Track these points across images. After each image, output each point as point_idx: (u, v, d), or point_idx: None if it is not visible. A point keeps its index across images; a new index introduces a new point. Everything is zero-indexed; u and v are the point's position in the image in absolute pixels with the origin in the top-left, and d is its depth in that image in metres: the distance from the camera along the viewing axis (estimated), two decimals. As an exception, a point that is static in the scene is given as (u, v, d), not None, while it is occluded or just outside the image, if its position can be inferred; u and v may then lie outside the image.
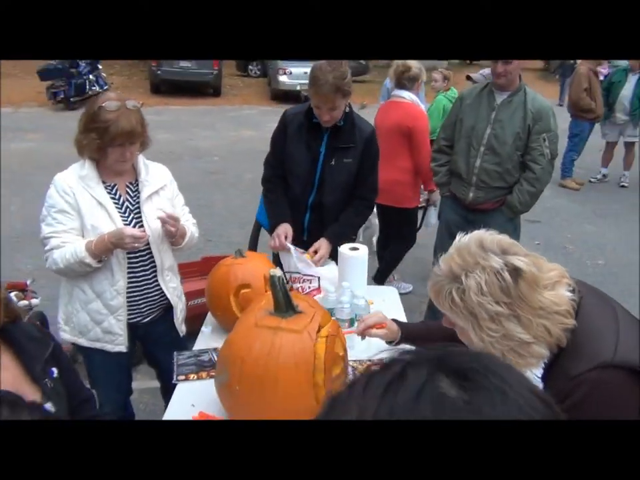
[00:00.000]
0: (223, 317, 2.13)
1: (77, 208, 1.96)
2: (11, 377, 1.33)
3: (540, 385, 1.21)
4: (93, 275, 2.01)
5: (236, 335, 1.57)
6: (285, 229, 2.45)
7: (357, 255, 2.23)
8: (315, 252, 2.44)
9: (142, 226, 2.06)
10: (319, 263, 2.39)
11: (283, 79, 13.17)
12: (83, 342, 2.08)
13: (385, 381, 0.45)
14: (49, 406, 1.39)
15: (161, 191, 2.16)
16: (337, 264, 2.36)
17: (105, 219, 1.99)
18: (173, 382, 1.89)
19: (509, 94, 2.92)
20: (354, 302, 2.05)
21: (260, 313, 1.61)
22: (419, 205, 4.07)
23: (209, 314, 2.30)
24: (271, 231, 2.54)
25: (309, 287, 2.34)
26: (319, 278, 2.33)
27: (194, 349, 2.09)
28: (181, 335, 2.29)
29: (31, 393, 1.35)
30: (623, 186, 6.98)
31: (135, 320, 2.13)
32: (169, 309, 2.22)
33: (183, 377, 1.89)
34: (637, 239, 5.43)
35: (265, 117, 12.09)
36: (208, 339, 2.15)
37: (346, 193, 2.52)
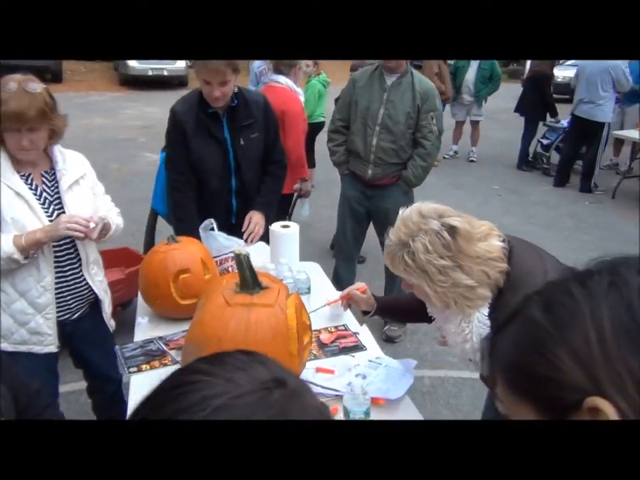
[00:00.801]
0: (162, 305, 2.08)
1: None
2: None
3: (487, 322, 1.43)
4: (16, 272, 1.84)
5: (207, 316, 1.57)
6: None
7: (289, 232, 2.30)
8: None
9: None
10: (254, 234, 2.42)
11: (132, 63, 12.47)
12: (5, 347, 1.88)
13: (605, 282, 0.55)
14: None
15: (81, 180, 2.02)
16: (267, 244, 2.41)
17: (26, 211, 1.83)
18: (125, 375, 1.82)
19: (398, 76, 3.14)
20: (295, 277, 2.12)
21: (227, 292, 1.62)
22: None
23: (141, 304, 2.23)
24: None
25: (226, 268, 2.36)
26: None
27: (135, 340, 2.02)
28: (111, 329, 2.19)
29: None
30: (472, 160, 7.79)
31: (63, 317, 1.98)
32: (94, 303, 2.11)
33: (134, 369, 1.83)
34: (489, 205, 6.16)
35: (116, 103, 11.44)
36: (146, 329, 2.09)
37: (262, 165, 2.57)
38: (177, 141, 2.45)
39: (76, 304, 2.02)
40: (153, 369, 1.84)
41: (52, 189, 1.94)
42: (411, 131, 3.19)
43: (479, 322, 1.41)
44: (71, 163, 2.01)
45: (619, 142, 7.14)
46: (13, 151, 1.84)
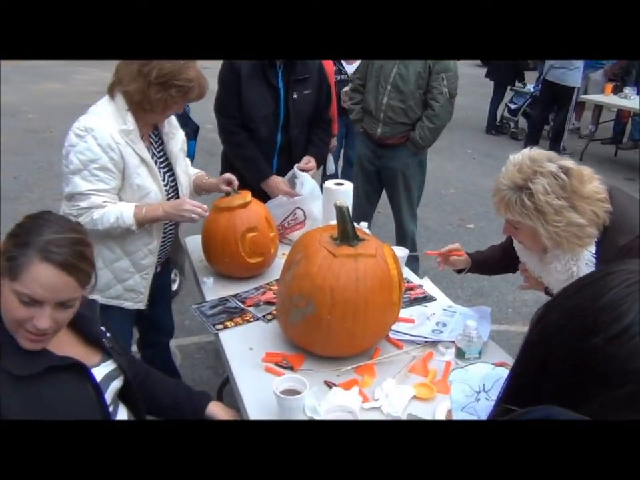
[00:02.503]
0: (230, 264, 2.08)
1: (120, 166, 1.76)
2: (65, 344, 1.28)
3: (594, 260, 1.53)
4: (126, 234, 1.84)
5: (314, 268, 1.59)
6: (281, 181, 2.46)
7: (344, 189, 2.32)
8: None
9: (174, 182, 1.98)
10: (307, 167, 2.47)
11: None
12: (97, 298, 1.86)
13: None
14: (109, 363, 1.37)
15: (183, 144, 2.06)
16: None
17: (149, 178, 1.85)
18: (212, 332, 1.83)
19: (414, 36, 3.17)
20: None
21: (328, 245, 1.64)
22: None
23: (199, 266, 2.22)
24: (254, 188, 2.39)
25: (294, 221, 2.38)
26: (301, 211, 2.36)
27: (208, 299, 2.01)
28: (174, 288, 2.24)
29: (88, 356, 1.33)
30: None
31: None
32: (165, 261, 2.16)
33: (220, 327, 1.84)
34: (468, 168, 6.34)
35: (68, 68, 10.82)
36: (214, 289, 2.08)
37: (308, 126, 2.56)
38: (230, 82, 2.42)
39: (161, 263, 2.09)
40: (237, 325, 1.85)
41: (159, 152, 1.96)
42: (421, 91, 3.23)
43: (587, 260, 1.51)
44: (175, 125, 2.02)
45: (581, 106, 7.46)
46: (159, 118, 1.87)
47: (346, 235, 1.65)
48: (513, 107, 7.53)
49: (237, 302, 1.98)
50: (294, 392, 1.45)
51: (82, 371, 1.24)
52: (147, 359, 2.33)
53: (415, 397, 1.53)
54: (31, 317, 1.12)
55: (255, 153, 2.47)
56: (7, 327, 1.15)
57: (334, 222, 2.14)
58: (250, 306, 1.96)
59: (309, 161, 2.51)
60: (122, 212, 1.75)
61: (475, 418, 0.92)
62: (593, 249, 1.52)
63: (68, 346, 1.29)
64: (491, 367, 0.99)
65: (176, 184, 1.99)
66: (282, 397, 1.42)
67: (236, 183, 2.12)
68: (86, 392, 1.24)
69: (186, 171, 2.06)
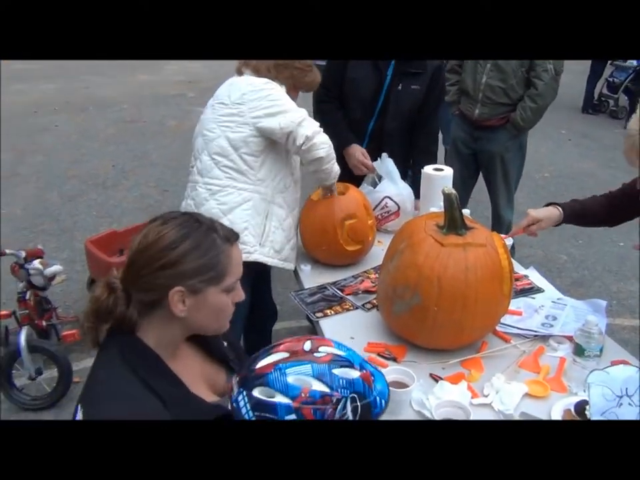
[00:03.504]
0: (327, 251, 2.07)
1: None
2: (199, 367, 1.19)
3: None
4: (289, 189, 2.03)
5: (420, 257, 1.54)
6: (360, 151, 2.41)
7: (444, 174, 2.24)
8: None
9: None
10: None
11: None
12: (275, 262, 2.01)
13: None
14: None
15: None
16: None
17: None
18: (314, 320, 1.83)
19: (515, 11, 2.99)
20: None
21: (435, 233, 1.58)
22: None
23: (299, 252, 2.22)
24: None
25: (385, 211, 2.33)
26: (391, 200, 2.31)
27: (305, 287, 2.02)
28: None
29: (216, 375, 1.24)
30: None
31: None
32: None
33: (320, 314, 1.83)
34: (563, 150, 5.99)
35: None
36: (312, 276, 2.08)
37: (408, 121, 2.47)
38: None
39: None
40: (337, 313, 1.84)
41: None
42: (524, 69, 3.05)
43: None
44: None
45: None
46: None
47: (454, 223, 1.58)
48: (614, 82, 7.00)
49: (336, 290, 1.97)
50: (400, 384, 1.41)
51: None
52: (251, 345, 2.38)
53: (527, 395, 1.45)
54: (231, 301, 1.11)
55: (339, 120, 2.44)
56: (208, 333, 1.12)
57: (434, 209, 2.09)
58: (349, 294, 1.94)
59: None
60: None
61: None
62: None
63: (199, 366, 1.21)
64: (634, 370, 0.90)
65: None
66: (389, 389, 1.39)
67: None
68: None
69: None
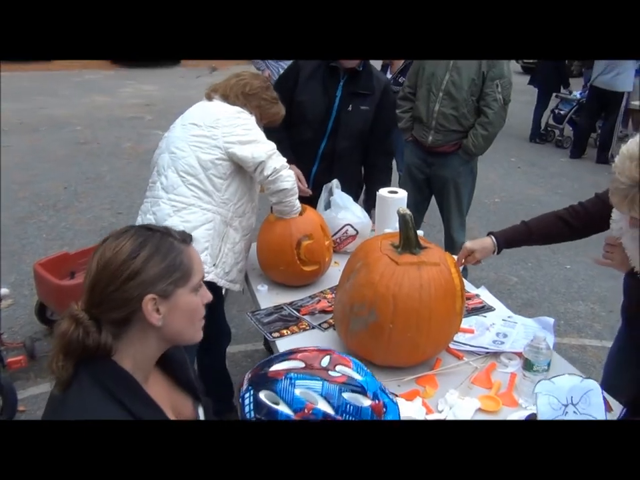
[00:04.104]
0: (285, 272, 2.07)
1: None
2: (166, 394, 1.17)
3: None
4: (246, 213, 2.07)
5: (376, 276, 1.57)
6: (296, 173, 2.41)
7: (399, 197, 2.30)
8: None
9: None
10: None
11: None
12: (223, 283, 2.04)
13: None
14: (200, 411, 1.25)
15: None
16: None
17: None
18: (270, 340, 1.82)
19: (465, 43, 3.13)
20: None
21: (390, 253, 1.62)
22: None
23: (255, 273, 2.22)
24: None
25: (345, 236, 2.36)
26: (352, 228, 2.35)
27: (262, 307, 2.01)
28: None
29: (183, 403, 1.22)
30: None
31: None
32: None
33: (277, 334, 1.83)
34: (512, 177, 6.22)
35: (111, 81, 11.16)
36: (268, 297, 2.08)
37: (359, 141, 2.53)
38: (286, 81, 2.49)
39: None
40: (294, 333, 1.84)
41: None
42: (474, 98, 3.17)
43: None
44: None
45: (627, 113, 7.24)
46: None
47: (409, 242, 1.62)
48: (559, 113, 7.36)
49: (292, 310, 1.97)
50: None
51: None
52: (206, 366, 2.34)
53: (479, 410, 1.49)
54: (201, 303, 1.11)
55: (283, 139, 2.41)
56: (184, 341, 1.10)
57: (389, 230, 2.13)
58: (305, 314, 1.94)
59: None
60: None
61: (563, 433, 0.88)
62: None
63: (167, 393, 1.19)
64: (578, 379, 0.94)
65: None
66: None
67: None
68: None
69: None
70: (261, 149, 1.93)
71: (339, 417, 0.96)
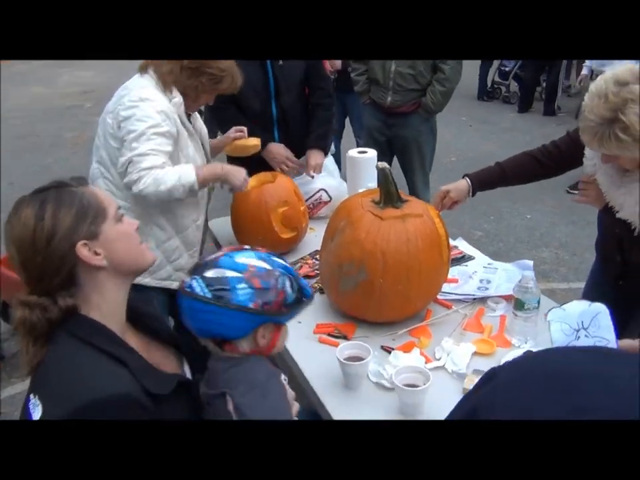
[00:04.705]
0: (263, 240, 2.02)
1: (175, 136, 1.77)
2: (145, 351, 1.13)
3: None
4: (177, 210, 1.87)
5: (361, 234, 1.56)
6: (283, 148, 2.38)
7: (369, 157, 2.28)
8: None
9: (206, 157, 2.01)
10: (316, 170, 2.38)
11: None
12: (147, 282, 1.86)
13: None
14: (185, 367, 1.25)
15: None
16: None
17: (195, 149, 1.90)
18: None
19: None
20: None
21: (373, 209, 1.61)
22: None
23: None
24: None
25: (318, 201, 2.34)
26: (325, 193, 2.33)
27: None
28: None
29: (167, 357, 1.20)
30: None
31: None
32: None
33: (264, 303, 1.80)
34: (466, 135, 6.31)
35: (45, 70, 10.63)
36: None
37: (302, 93, 2.49)
38: None
39: None
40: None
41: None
42: (429, 55, 3.18)
43: None
44: None
45: (570, 65, 7.43)
46: (193, 106, 1.91)
47: (390, 196, 1.62)
48: (504, 70, 7.46)
49: (276, 278, 1.94)
50: (356, 358, 1.42)
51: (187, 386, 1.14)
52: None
53: (476, 353, 1.51)
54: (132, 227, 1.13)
55: (245, 124, 2.31)
56: (137, 266, 1.12)
57: (362, 190, 2.12)
58: (289, 281, 1.92)
59: (315, 161, 2.41)
60: (183, 170, 1.73)
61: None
62: None
63: (145, 350, 1.15)
64: (587, 304, 0.96)
65: (207, 161, 2.01)
66: (347, 363, 1.39)
67: (245, 130, 2.13)
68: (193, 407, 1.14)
69: None
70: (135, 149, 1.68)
71: (277, 271, 1.09)
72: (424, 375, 1.33)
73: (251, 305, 1.06)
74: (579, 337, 0.92)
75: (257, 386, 1.08)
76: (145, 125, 1.68)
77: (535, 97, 7.21)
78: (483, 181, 1.90)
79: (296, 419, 1.16)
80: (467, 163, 5.48)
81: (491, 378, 0.56)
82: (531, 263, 1.92)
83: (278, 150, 2.39)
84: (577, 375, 0.51)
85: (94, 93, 8.61)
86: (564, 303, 0.99)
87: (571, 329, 0.93)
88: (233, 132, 2.13)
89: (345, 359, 1.41)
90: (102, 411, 0.90)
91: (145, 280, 1.82)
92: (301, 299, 1.16)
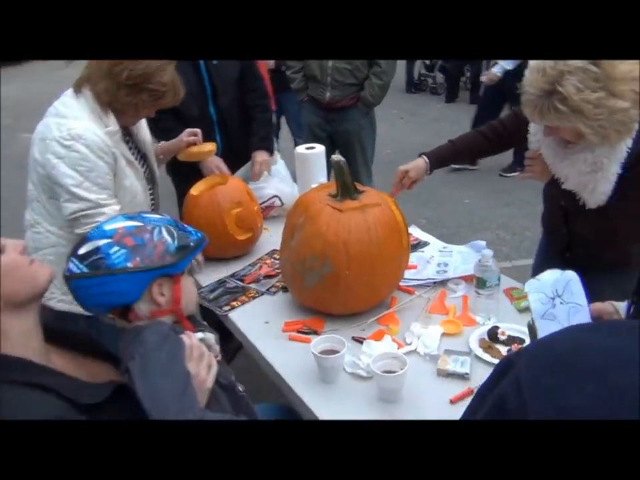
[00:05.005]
0: (218, 242, 1.98)
1: (114, 169, 1.67)
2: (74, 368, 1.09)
3: (625, 155, 1.45)
4: None
5: (322, 227, 1.56)
6: (219, 160, 2.32)
7: (318, 152, 2.28)
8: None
9: (148, 170, 1.91)
10: (263, 167, 2.37)
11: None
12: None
13: None
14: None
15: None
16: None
17: (135, 178, 1.78)
18: (221, 314, 1.76)
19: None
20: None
21: (331, 202, 1.61)
22: None
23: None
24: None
25: (270, 203, 2.32)
26: (277, 197, 2.32)
27: (203, 284, 1.93)
28: None
29: (103, 370, 1.14)
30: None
31: None
32: None
33: (227, 307, 1.77)
34: (397, 128, 6.45)
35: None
36: (206, 274, 1.99)
37: (239, 93, 2.46)
38: None
39: None
40: (244, 303, 1.79)
41: (131, 146, 1.85)
42: (364, 50, 3.22)
43: (619, 156, 1.45)
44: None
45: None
46: (133, 121, 1.81)
47: (346, 188, 1.63)
48: (428, 63, 7.69)
49: (236, 281, 1.92)
50: (331, 351, 1.42)
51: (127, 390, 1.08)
52: None
53: (444, 334, 1.54)
54: None
55: (172, 126, 2.25)
56: (38, 289, 1.02)
57: (315, 185, 2.12)
58: (250, 282, 1.90)
59: (261, 157, 2.39)
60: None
61: (554, 323, 0.94)
62: (629, 142, 1.46)
63: (76, 368, 1.09)
64: (559, 273, 1.01)
65: (150, 173, 1.93)
66: (323, 357, 1.39)
67: (200, 133, 2.05)
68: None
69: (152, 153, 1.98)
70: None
71: (150, 225, 1.12)
72: (400, 360, 1.34)
73: (129, 265, 1.08)
74: (554, 305, 0.96)
75: (148, 349, 1.04)
76: (84, 170, 1.59)
77: (461, 87, 7.48)
78: (439, 157, 1.94)
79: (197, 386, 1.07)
80: (402, 154, 5.60)
81: (508, 367, 0.56)
82: (483, 243, 1.98)
83: (211, 162, 2.30)
84: (600, 351, 0.52)
85: (14, 107, 8.19)
86: (540, 274, 1.03)
87: (547, 298, 0.97)
88: (186, 135, 2.06)
89: (319, 353, 1.40)
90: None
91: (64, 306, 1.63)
92: (188, 243, 1.18)
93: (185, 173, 2.30)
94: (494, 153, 1.97)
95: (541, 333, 0.94)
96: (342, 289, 1.57)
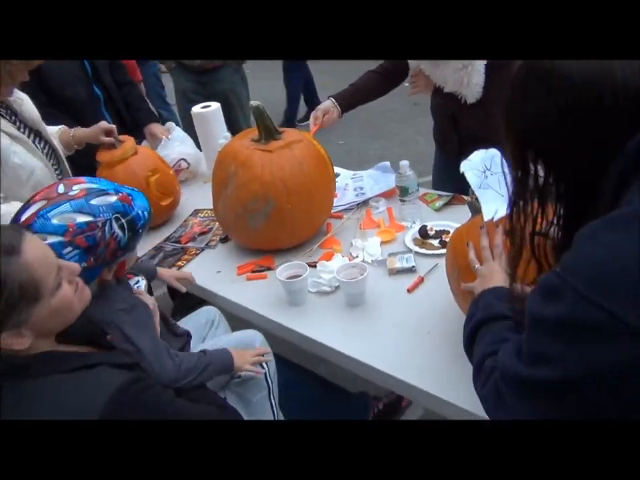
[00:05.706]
0: (145, 213, 2.00)
1: None
2: None
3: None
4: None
5: (256, 170, 1.65)
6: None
7: (214, 109, 2.33)
8: None
9: (48, 148, 1.83)
10: (164, 134, 2.39)
11: None
12: None
13: None
14: None
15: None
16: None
17: (27, 154, 1.70)
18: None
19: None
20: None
21: (257, 146, 1.70)
22: None
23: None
24: None
25: (178, 166, 2.33)
26: (183, 159, 2.35)
27: (140, 255, 1.94)
28: None
29: None
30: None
31: None
32: None
33: (175, 268, 1.81)
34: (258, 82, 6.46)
35: None
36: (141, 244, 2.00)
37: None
38: None
39: None
40: (189, 261, 1.85)
41: (18, 123, 1.74)
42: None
43: None
44: (14, 90, 1.75)
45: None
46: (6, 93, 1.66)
47: (269, 131, 1.72)
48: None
49: (173, 244, 1.95)
50: (295, 276, 1.55)
51: None
52: None
53: (382, 243, 1.74)
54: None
55: (75, 121, 2.14)
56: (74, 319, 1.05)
57: (223, 141, 2.18)
58: (188, 242, 1.95)
59: (158, 129, 2.43)
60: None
61: (490, 191, 1.14)
62: None
63: None
64: (484, 151, 1.21)
65: (50, 149, 1.84)
66: (290, 281, 1.52)
67: (115, 131, 2.00)
68: None
69: (51, 132, 1.89)
70: None
71: (99, 219, 1.10)
72: (358, 267, 1.52)
73: (83, 264, 1.09)
74: (487, 177, 1.17)
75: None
76: None
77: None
78: (345, 98, 2.10)
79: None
80: (268, 106, 5.72)
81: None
82: (388, 163, 2.19)
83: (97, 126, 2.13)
84: None
85: None
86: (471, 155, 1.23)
87: (479, 172, 1.18)
88: (101, 133, 1.95)
89: (286, 279, 1.53)
90: (125, 406, 0.94)
91: None
92: (137, 230, 1.20)
93: (84, 164, 2.21)
94: (390, 87, 2.15)
95: (482, 201, 1.15)
96: (287, 222, 1.69)
